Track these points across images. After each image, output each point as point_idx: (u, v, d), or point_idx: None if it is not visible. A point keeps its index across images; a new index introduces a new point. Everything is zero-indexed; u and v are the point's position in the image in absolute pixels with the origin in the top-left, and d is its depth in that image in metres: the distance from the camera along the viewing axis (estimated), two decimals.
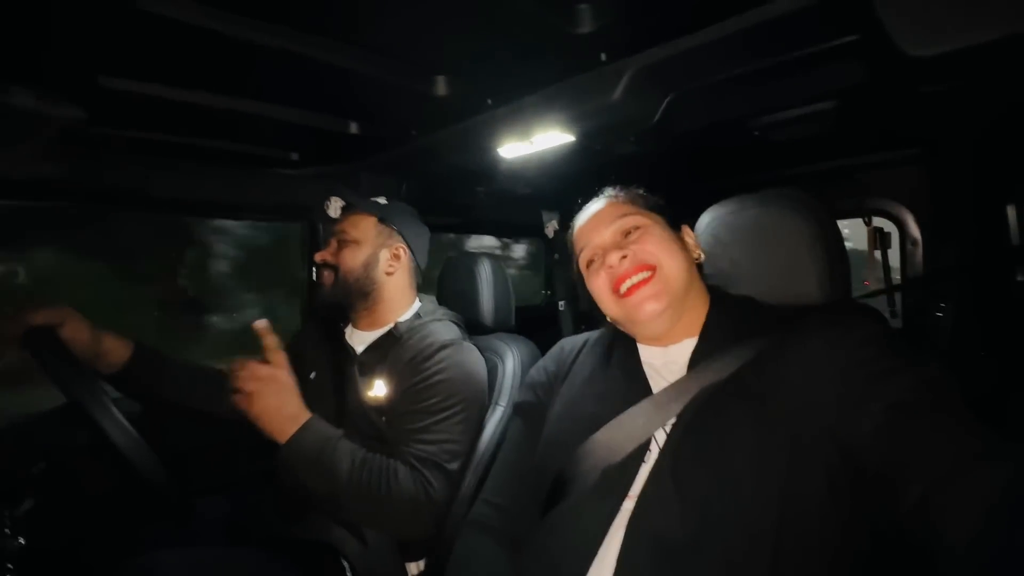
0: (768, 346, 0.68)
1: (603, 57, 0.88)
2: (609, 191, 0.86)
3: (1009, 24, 0.52)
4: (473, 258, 1.35)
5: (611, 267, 0.76)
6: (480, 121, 1.10)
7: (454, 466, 1.00)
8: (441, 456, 0.99)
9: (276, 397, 0.91)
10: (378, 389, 1.06)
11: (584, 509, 0.67)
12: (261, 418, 0.90)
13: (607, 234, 0.79)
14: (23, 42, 0.74)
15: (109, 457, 0.79)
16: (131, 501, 0.99)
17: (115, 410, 0.80)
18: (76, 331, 0.93)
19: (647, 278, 0.74)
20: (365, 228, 1.16)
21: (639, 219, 0.79)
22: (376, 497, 0.92)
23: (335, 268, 1.14)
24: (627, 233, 0.78)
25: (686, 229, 0.84)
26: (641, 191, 0.85)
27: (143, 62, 0.84)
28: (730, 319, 0.75)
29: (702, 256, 0.83)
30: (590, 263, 0.81)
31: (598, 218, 0.81)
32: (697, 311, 0.77)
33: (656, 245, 0.75)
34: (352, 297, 1.14)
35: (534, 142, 1.14)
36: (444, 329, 1.13)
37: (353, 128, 1.18)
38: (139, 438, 0.81)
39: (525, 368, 1.23)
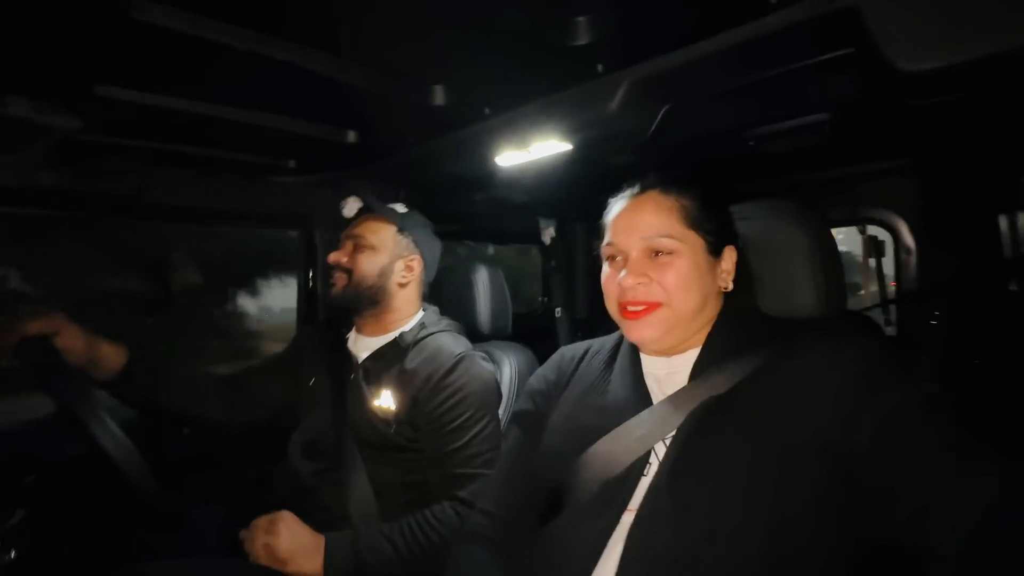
0: (766, 360, 0.68)
1: (600, 68, 0.88)
2: (659, 180, 0.77)
3: (999, 42, 0.53)
4: (470, 265, 1.35)
5: (625, 286, 0.73)
6: (477, 130, 1.10)
7: None
8: (483, 470, 1.00)
9: (290, 537, 0.93)
10: (386, 398, 1.06)
11: (582, 522, 0.67)
12: (290, 562, 0.92)
13: (636, 247, 0.74)
14: (19, 52, 0.74)
15: (101, 467, 0.78)
16: (123, 511, 0.98)
17: (108, 419, 0.79)
18: (71, 340, 0.92)
19: (653, 308, 0.72)
20: (384, 236, 1.15)
21: (673, 243, 0.72)
22: (436, 549, 0.94)
23: (348, 271, 1.13)
24: (656, 253, 0.73)
25: (729, 253, 0.76)
26: (693, 198, 0.75)
27: (139, 71, 0.84)
28: (734, 331, 0.74)
29: (731, 286, 0.77)
30: (612, 257, 0.77)
31: (635, 218, 0.74)
32: (705, 325, 0.76)
33: (676, 280, 0.71)
34: (362, 303, 1.14)
35: (531, 151, 1.14)
36: (453, 341, 1.13)
37: (351, 137, 1.18)
38: (131, 447, 0.80)
39: (522, 376, 1.23)
